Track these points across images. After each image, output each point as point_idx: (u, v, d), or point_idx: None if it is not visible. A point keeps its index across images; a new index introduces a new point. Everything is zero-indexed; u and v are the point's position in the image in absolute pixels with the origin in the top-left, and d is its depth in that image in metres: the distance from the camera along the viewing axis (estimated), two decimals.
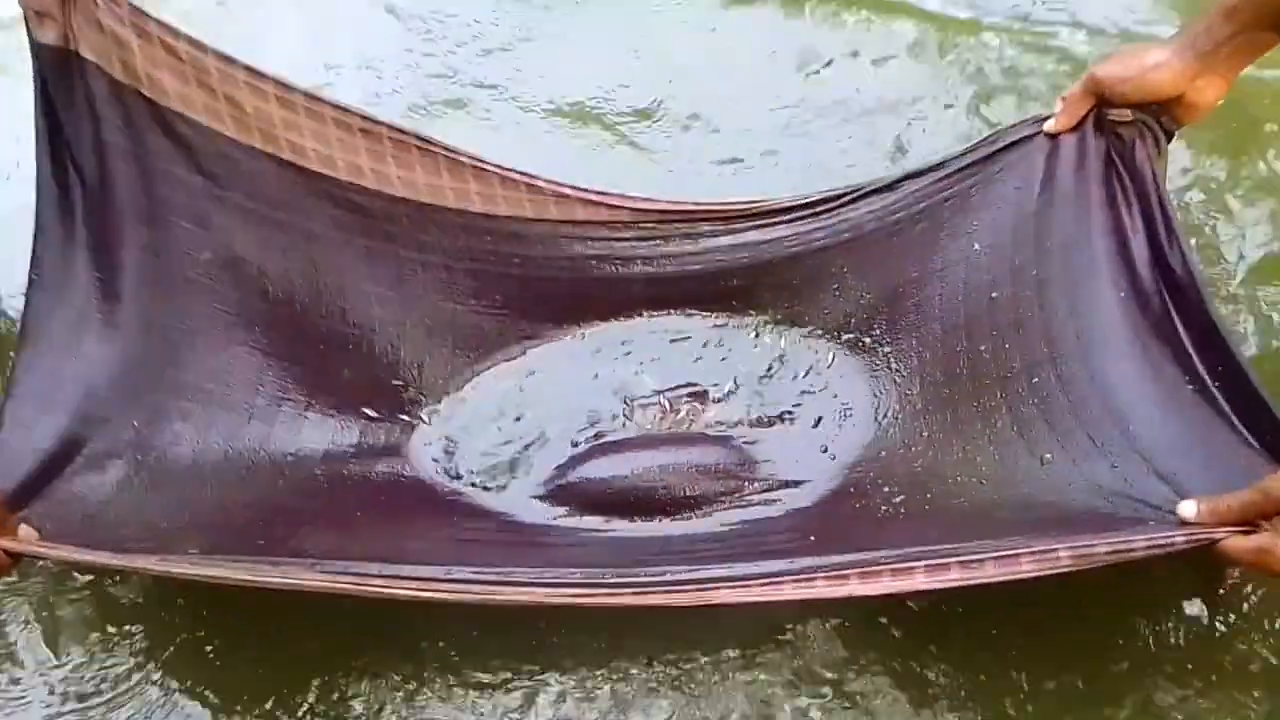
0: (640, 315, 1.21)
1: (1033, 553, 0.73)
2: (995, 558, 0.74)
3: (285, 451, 1.06)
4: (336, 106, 1.07)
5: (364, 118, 1.08)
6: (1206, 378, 0.84)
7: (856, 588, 0.78)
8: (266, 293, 1.09)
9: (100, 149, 0.97)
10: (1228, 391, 0.82)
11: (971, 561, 0.75)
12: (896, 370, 1.08)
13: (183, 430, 1.00)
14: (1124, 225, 0.92)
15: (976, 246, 1.02)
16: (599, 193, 1.16)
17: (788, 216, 1.13)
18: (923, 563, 0.77)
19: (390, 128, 1.09)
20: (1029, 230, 0.98)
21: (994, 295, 0.99)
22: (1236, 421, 0.80)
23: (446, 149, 1.12)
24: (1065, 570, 0.72)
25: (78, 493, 0.90)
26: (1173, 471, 0.79)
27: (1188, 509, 0.75)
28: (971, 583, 0.75)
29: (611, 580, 0.84)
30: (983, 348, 0.98)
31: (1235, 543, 0.72)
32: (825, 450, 1.09)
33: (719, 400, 1.16)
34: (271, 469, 1.03)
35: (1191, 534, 0.72)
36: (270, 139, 1.05)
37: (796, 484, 1.06)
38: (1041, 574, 0.72)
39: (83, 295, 0.97)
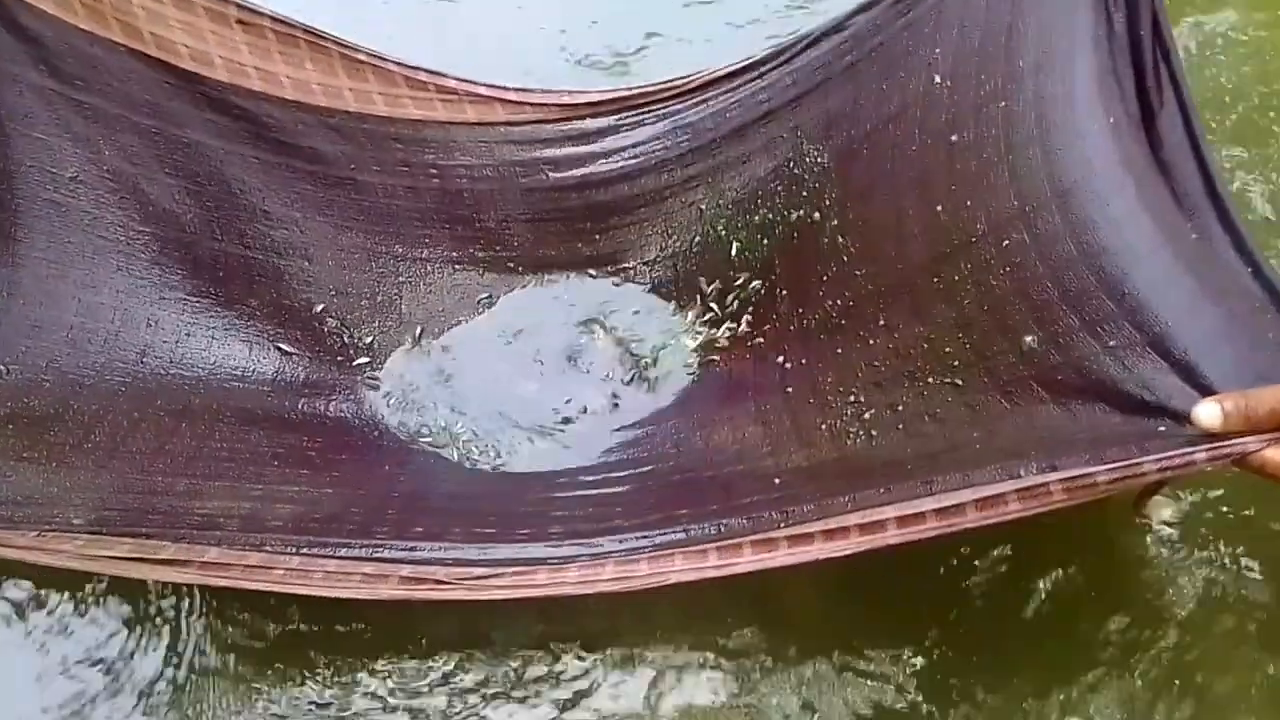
0: (581, 231, 1.09)
1: (1020, 490, 0.61)
2: (976, 500, 0.62)
3: (188, 394, 0.94)
4: None
5: (241, 6, 0.94)
6: (1216, 225, 0.68)
7: (822, 549, 0.67)
8: (148, 213, 0.96)
9: None
10: (1239, 243, 0.67)
11: (950, 508, 0.63)
12: (847, 246, 0.92)
13: (60, 373, 0.88)
14: (1111, 37, 0.74)
15: (936, 79, 0.84)
16: (519, 90, 1.03)
17: (726, 85, 1.00)
18: (894, 511, 0.65)
19: (274, 19, 0.96)
20: (998, 51, 0.78)
21: (953, 139, 0.81)
22: (1259, 282, 0.64)
23: (340, 43, 0.99)
24: (1059, 505, 0.60)
25: None
26: (1187, 353, 0.61)
27: (1208, 413, 0.56)
28: (951, 530, 0.63)
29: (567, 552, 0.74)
30: (940, 208, 0.81)
31: None
32: (782, 360, 0.97)
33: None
34: (173, 414, 0.91)
35: (1217, 448, 0.55)
36: (131, 31, 0.92)
37: (759, 402, 0.94)
38: (1031, 513, 0.61)
39: None
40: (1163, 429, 0.60)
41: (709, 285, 1.05)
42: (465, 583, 0.71)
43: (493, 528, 0.80)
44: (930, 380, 0.81)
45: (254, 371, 0.99)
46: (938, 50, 0.84)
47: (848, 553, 0.66)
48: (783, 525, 0.70)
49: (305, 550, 0.74)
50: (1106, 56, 0.73)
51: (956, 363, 0.78)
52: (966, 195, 0.79)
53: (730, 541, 0.71)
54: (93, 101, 0.91)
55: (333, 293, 1.04)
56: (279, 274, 1.02)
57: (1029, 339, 0.72)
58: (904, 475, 0.70)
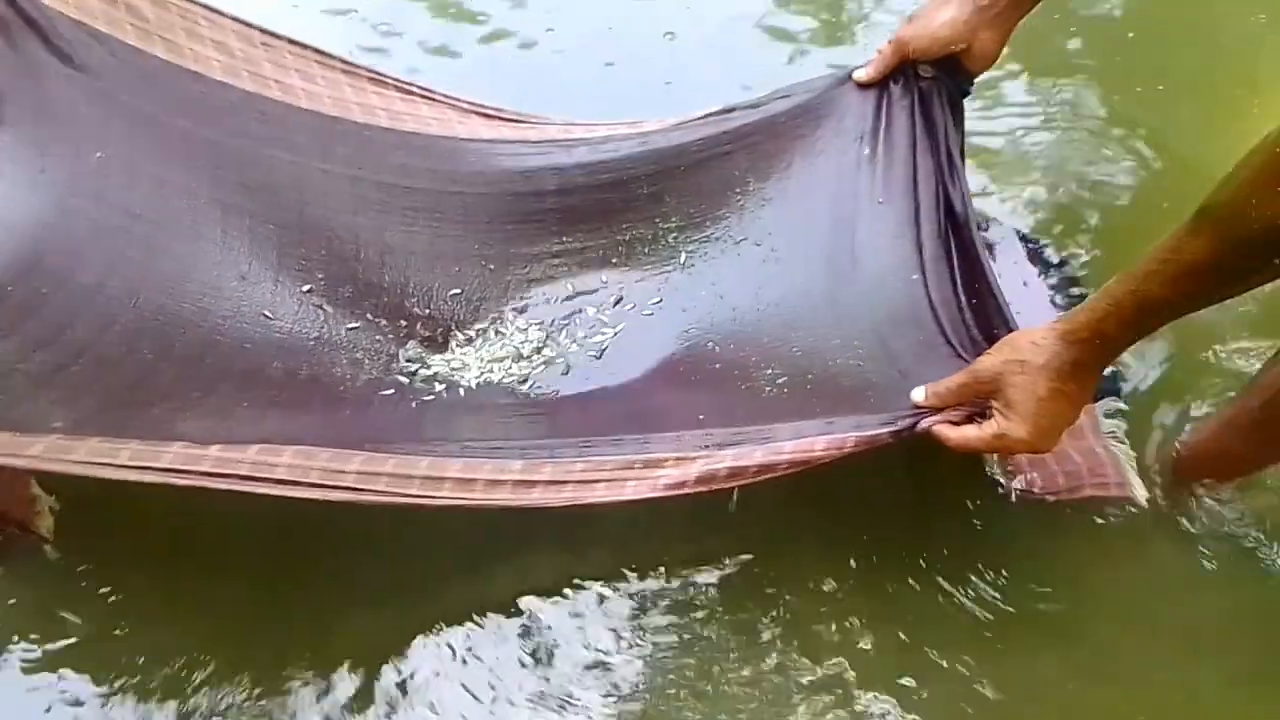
0: (554, 233, 1.20)
1: (830, 438, 0.86)
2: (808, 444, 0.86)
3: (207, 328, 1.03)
4: (236, 19, 1.10)
5: (263, 31, 1.11)
6: (963, 298, 0.99)
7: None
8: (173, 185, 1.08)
9: None
10: (976, 310, 0.96)
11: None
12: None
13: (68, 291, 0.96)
14: (917, 164, 1.06)
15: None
16: (496, 109, 1.18)
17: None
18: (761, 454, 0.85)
19: (290, 41, 1.12)
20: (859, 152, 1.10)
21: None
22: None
23: (345, 63, 1.14)
24: (851, 452, 0.85)
25: None
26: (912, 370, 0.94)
27: (918, 394, 0.87)
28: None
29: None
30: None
31: (970, 432, 0.82)
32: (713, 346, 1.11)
33: (621, 319, 1.17)
34: (161, 335, 1.00)
35: (917, 417, 0.85)
36: (172, 47, 1.07)
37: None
38: (831, 457, 0.86)
39: None
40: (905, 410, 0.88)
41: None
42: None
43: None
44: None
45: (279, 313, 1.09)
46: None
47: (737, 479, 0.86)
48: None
49: (263, 447, 0.82)
50: (912, 181, 1.06)
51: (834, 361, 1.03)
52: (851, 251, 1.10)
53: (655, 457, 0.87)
54: (121, 97, 1.04)
55: (321, 278, 1.14)
56: (281, 261, 1.12)
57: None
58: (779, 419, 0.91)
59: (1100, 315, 0.74)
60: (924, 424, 0.85)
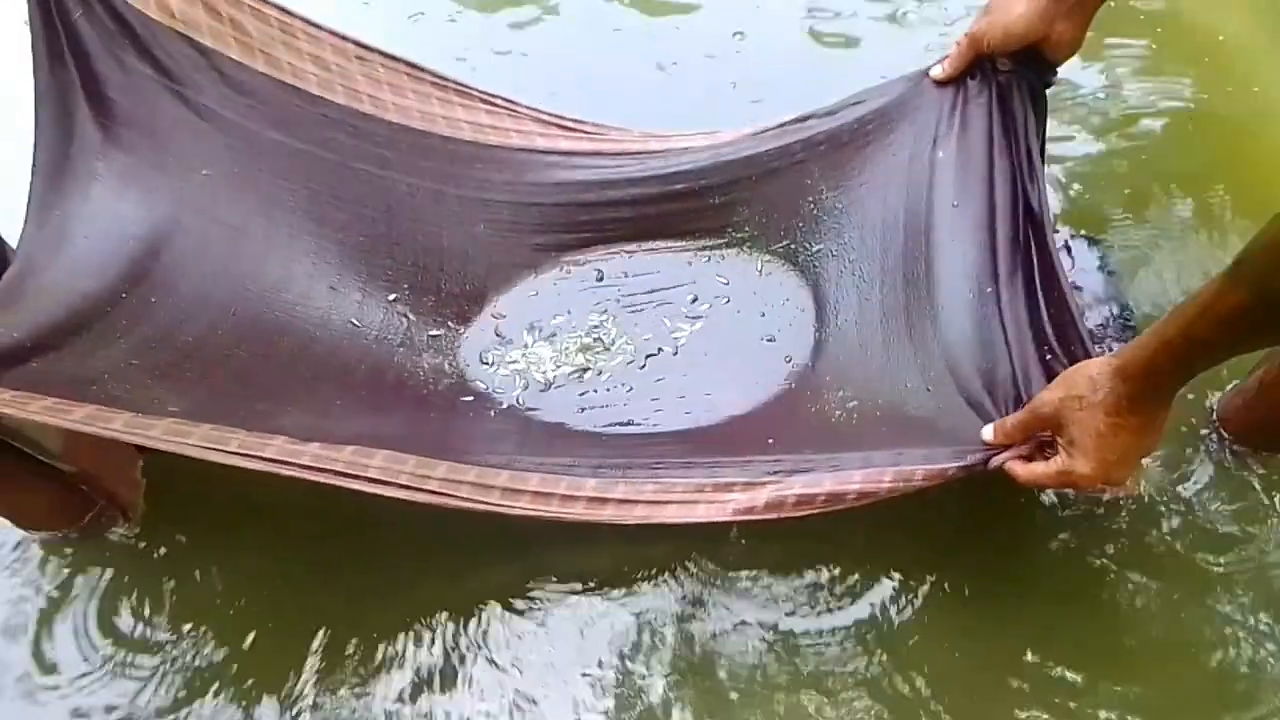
0: (628, 240, 1.24)
1: (898, 470, 0.86)
2: (879, 475, 0.87)
3: (309, 331, 1.09)
4: (333, 33, 1.14)
5: (358, 44, 1.15)
6: (1039, 309, 0.95)
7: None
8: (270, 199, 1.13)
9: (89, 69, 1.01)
10: (1053, 320, 0.93)
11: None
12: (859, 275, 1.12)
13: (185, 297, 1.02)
14: (994, 163, 1.03)
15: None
16: (576, 121, 1.21)
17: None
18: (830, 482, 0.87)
19: (384, 54, 1.16)
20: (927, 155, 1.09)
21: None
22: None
23: (436, 76, 1.18)
24: (920, 486, 0.85)
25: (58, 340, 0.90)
26: (983, 405, 0.92)
27: (987, 433, 0.87)
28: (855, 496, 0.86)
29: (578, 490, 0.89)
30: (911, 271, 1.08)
31: (1039, 469, 0.82)
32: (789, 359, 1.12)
33: (698, 317, 1.21)
34: (272, 343, 1.06)
35: (988, 454, 0.85)
36: (273, 62, 1.12)
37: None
38: (900, 490, 0.86)
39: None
40: (974, 445, 0.88)
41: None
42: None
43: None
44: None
45: (363, 320, 1.14)
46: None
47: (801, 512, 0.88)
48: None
49: (357, 449, 0.86)
50: (989, 179, 1.04)
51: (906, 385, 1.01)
52: (922, 264, 1.07)
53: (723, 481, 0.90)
54: (223, 113, 1.09)
55: (406, 287, 1.19)
56: (367, 265, 1.17)
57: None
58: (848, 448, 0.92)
59: (1151, 351, 0.74)
60: (995, 461, 0.84)
